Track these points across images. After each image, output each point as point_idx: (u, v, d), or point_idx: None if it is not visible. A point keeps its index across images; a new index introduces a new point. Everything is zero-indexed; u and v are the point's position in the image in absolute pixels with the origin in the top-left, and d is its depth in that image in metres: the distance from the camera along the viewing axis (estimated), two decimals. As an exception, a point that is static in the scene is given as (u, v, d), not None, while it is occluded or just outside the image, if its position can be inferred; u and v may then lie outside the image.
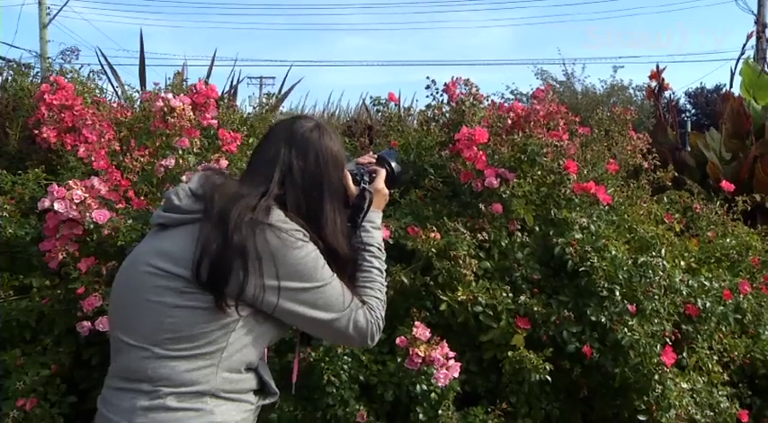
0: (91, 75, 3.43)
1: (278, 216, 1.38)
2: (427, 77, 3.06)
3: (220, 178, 1.45)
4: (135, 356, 1.34)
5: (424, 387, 2.28)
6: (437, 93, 3.06)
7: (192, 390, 1.31)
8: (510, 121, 2.97)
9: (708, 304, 2.70)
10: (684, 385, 2.55)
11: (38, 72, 3.74)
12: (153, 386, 1.31)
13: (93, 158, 2.64)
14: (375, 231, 1.58)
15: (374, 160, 1.69)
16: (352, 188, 1.57)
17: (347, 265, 1.49)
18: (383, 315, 1.49)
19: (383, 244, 1.59)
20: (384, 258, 1.58)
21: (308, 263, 1.37)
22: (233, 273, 1.31)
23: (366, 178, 1.60)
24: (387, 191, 1.66)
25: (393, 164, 1.70)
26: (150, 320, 1.34)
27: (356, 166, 1.64)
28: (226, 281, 1.31)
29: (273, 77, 19.99)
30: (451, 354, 2.26)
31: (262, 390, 1.43)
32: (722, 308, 2.75)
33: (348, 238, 1.51)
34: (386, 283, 1.55)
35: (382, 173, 1.65)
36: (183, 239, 1.36)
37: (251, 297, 1.34)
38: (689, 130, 6.15)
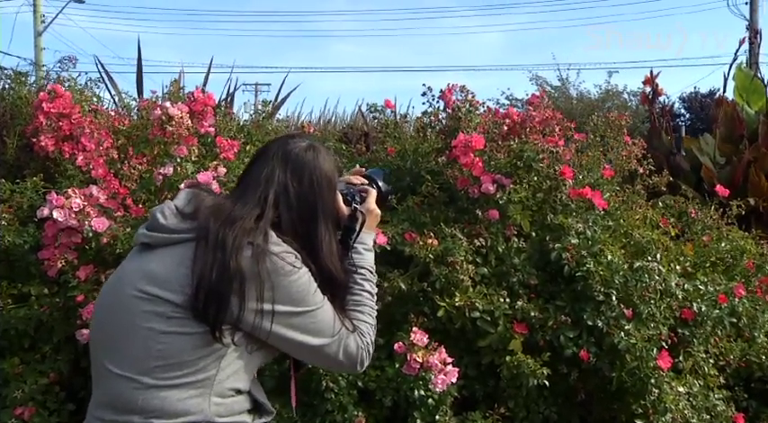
0: (88, 83, 3.43)
1: (273, 240, 1.35)
2: (423, 84, 3.08)
3: (210, 197, 1.43)
4: (123, 387, 1.30)
5: (422, 392, 2.29)
6: (433, 99, 3.08)
7: (186, 420, 1.28)
8: (506, 128, 2.99)
9: (703, 308, 2.72)
10: (681, 389, 2.57)
11: (34, 81, 3.74)
12: (144, 418, 1.28)
13: (91, 167, 2.65)
14: (367, 253, 1.55)
15: (365, 180, 1.66)
16: (344, 209, 1.54)
17: (341, 289, 1.47)
18: (373, 340, 1.47)
19: (374, 266, 1.57)
20: (375, 281, 1.55)
21: (302, 287, 1.35)
22: (231, 300, 1.29)
23: (357, 198, 1.57)
24: (378, 211, 1.63)
25: (380, 183, 1.67)
26: (139, 347, 1.30)
27: (346, 185, 1.61)
28: (225, 309, 1.28)
29: (269, 84, 20.08)
30: (449, 359, 2.27)
31: (256, 408, 1.41)
32: (718, 311, 2.77)
33: (342, 260, 1.49)
34: (376, 307, 1.52)
35: (373, 193, 1.62)
36: (170, 261, 1.33)
37: (249, 324, 1.31)
38: (683, 134, 6.18)
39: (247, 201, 1.41)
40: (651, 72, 5.51)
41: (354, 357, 1.42)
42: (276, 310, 1.32)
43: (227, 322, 1.30)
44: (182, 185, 2.54)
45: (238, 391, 1.35)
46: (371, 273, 1.55)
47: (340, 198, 1.54)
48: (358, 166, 1.90)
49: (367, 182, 1.66)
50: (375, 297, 1.54)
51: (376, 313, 1.52)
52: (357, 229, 1.54)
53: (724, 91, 6.32)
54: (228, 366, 1.32)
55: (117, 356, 1.32)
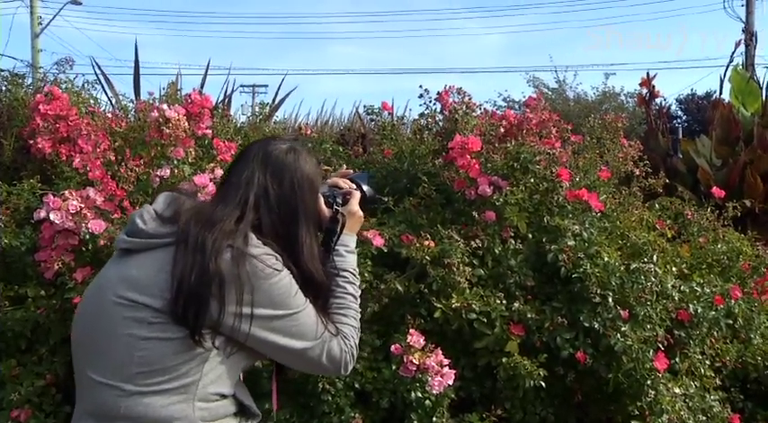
0: (85, 85, 3.43)
1: (253, 242, 1.34)
2: (420, 86, 3.09)
3: (189, 200, 1.42)
4: (106, 395, 1.29)
5: (419, 394, 2.29)
6: (430, 101, 3.08)
7: None
8: (502, 130, 2.99)
9: (699, 310, 2.72)
10: (677, 390, 2.58)
11: (31, 82, 3.74)
12: None
13: (88, 168, 2.65)
14: (349, 255, 1.54)
15: (350, 182, 1.65)
16: (325, 211, 1.53)
17: (322, 292, 1.46)
18: (357, 343, 1.46)
19: (357, 269, 1.56)
20: (358, 283, 1.54)
21: (282, 289, 1.34)
22: (210, 303, 1.28)
23: (339, 200, 1.57)
24: (361, 214, 1.62)
25: (365, 187, 1.66)
26: (120, 354, 1.29)
27: (329, 188, 1.60)
28: (204, 312, 1.27)
29: (266, 86, 20.06)
30: (446, 361, 2.28)
31: (242, 411, 1.40)
32: (714, 313, 2.77)
33: (324, 263, 1.48)
34: (359, 310, 1.51)
35: (356, 195, 1.61)
36: (150, 266, 1.32)
37: (228, 327, 1.30)
38: (680, 136, 6.20)
39: (228, 203, 1.40)
40: (648, 74, 5.54)
41: (338, 361, 1.41)
42: (256, 313, 1.31)
43: (207, 326, 1.29)
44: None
45: (222, 396, 1.34)
46: (354, 275, 1.54)
47: (322, 200, 1.53)
48: (344, 167, 1.89)
49: (353, 185, 1.66)
50: (358, 299, 1.52)
51: (359, 315, 1.51)
52: (338, 231, 1.53)
53: (720, 93, 6.36)
54: (212, 371, 1.31)
55: (99, 364, 1.32)
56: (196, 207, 1.39)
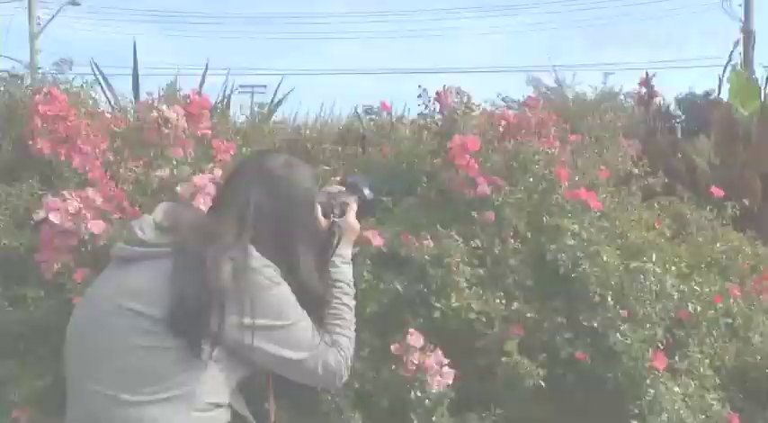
0: (84, 85, 3.43)
1: (253, 255, 1.36)
2: (419, 86, 3.09)
3: (189, 212, 1.45)
4: (100, 404, 1.29)
5: (419, 394, 2.29)
6: (429, 101, 3.08)
7: None
8: (501, 129, 2.99)
9: (699, 309, 2.72)
10: (676, 389, 2.58)
11: (29, 83, 3.74)
12: None
13: (87, 169, 2.65)
14: (345, 267, 1.56)
15: (344, 188, 1.66)
16: (322, 222, 1.55)
17: (319, 304, 1.48)
18: (352, 354, 1.48)
19: (353, 280, 1.57)
20: (353, 294, 1.55)
21: (281, 301, 1.36)
22: (211, 315, 1.29)
23: (336, 211, 1.58)
24: (357, 225, 1.63)
25: (366, 191, 1.67)
26: (116, 363, 1.30)
27: (327, 196, 1.61)
28: (205, 324, 1.28)
29: (265, 86, 19.97)
30: (445, 360, 2.28)
31: (237, 420, 1.41)
32: (713, 312, 2.77)
33: (320, 275, 1.50)
34: (355, 320, 1.53)
35: (353, 206, 1.62)
36: (149, 276, 1.33)
37: (231, 339, 1.32)
38: (679, 136, 6.20)
39: (226, 217, 1.41)
40: (647, 73, 5.54)
41: (333, 371, 1.43)
42: (256, 323, 1.33)
43: (207, 337, 1.29)
44: (178, 188, 2.55)
45: (218, 405, 1.35)
46: (349, 286, 1.55)
47: (319, 210, 1.55)
48: (339, 175, 1.91)
49: (351, 191, 1.66)
50: (353, 310, 1.54)
51: (355, 326, 1.52)
52: (334, 243, 1.55)
53: (719, 92, 6.35)
54: (208, 381, 1.32)
55: (94, 372, 1.32)
56: (195, 220, 1.42)
